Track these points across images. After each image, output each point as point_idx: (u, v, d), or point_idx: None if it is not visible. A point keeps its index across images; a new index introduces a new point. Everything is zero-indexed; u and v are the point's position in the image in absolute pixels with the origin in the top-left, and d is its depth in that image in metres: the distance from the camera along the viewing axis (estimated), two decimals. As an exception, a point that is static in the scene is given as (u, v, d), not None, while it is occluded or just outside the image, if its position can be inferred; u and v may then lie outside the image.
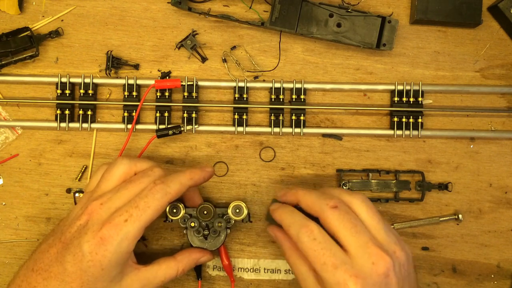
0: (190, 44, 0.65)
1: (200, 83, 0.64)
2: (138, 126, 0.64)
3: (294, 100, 0.64)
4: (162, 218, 0.64)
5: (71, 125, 0.64)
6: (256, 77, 0.65)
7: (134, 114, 0.64)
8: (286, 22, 0.63)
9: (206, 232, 0.59)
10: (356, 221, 0.50)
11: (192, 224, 0.58)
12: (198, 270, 0.62)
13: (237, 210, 0.59)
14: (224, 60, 0.65)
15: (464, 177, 0.65)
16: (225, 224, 0.59)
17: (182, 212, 0.59)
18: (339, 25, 0.63)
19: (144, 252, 0.64)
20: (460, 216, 0.64)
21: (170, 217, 0.59)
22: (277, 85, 0.64)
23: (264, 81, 0.65)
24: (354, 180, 0.65)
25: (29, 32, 0.63)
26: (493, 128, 0.66)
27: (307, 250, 0.49)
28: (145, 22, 0.65)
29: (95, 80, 0.64)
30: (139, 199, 0.51)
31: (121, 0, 0.65)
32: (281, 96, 0.64)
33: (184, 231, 0.60)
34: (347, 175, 0.65)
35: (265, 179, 0.65)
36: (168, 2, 0.65)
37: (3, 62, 0.63)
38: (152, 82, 0.63)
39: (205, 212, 0.59)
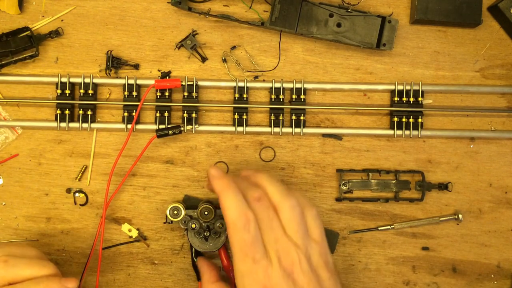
0: (190, 44, 0.65)
1: (200, 83, 0.64)
2: (138, 126, 0.64)
3: (294, 100, 0.64)
4: (163, 219, 0.64)
5: (71, 125, 0.64)
6: (256, 77, 0.65)
7: (134, 114, 0.64)
8: (286, 22, 0.63)
9: (206, 234, 0.59)
10: (274, 216, 0.51)
11: (193, 226, 0.58)
12: (198, 271, 0.62)
13: None
14: (224, 60, 0.65)
15: (464, 177, 0.65)
16: (226, 225, 0.59)
17: (183, 213, 0.59)
18: (339, 25, 0.63)
19: (145, 252, 0.64)
20: (460, 216, 0.64)
21: (171, 218, 0.59)
22: (277, 85, 0.64)
23: (264, 81, 0.65)
24: (354, 180, 0.65)
25: (29, 32, 0.63)
26: (493, 128, 0.66)
27: (237, 238, 0.50)
28: (145, 22, 0.65)
29: (95, 80, 0.64)
30: None
31: (121, 0, 0.65)
32: (281, 96, 0.64)
33: (185, 233, 0.60)
34: (347, 175, 0.65)
35: (265, 179, 0.65)
36: (168, 2, 0.65)
37: (3, 62, 0.63)
38: (152, 82, 0.63)
39: (206, 213, 0.59)
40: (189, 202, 0.64)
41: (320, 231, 0.53)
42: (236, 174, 0.64)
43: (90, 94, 0.64)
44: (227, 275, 0.63)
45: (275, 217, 0.52)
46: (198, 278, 0.62)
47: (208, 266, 0.59)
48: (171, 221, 0.59)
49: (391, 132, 0.65)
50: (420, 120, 0.64)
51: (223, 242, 0.59)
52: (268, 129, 0.64)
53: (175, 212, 0.59)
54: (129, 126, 0.64)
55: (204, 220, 0.59)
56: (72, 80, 0.64)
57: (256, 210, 0.52)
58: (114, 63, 0.64)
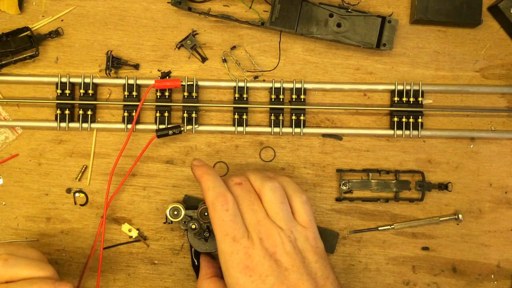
0: (190, 44, 0.65)
1: (200, 83, 0.64)
2: (138, 126, 0.64)
3: (294, 100, 0.64)
4: (163, 219, 0.64)
5: (71, 125, 0.64)
6: (256, 77, 0.65)
7: (134, 114, 0.64)
8: (286, 22, 0.63)
9: (206, 234, 0.58)
10: (255, 200, 0.52)
11: (193, 226, 0.58)
12: (198, 271, 0.62)
13: None
14: (224, 60, 0.65)
15: (464, 177, 0.65)
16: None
17: (183, 214, 0.59)
18: (339, 25, 0.63)
19: (145, 252, 0.64)
20: (460, 216, 0.64)
21: (171, 219, 0.59)
22: (277, 85, 0.64)
23: (264, 81, 0.65)
24: (354, 180, 0.65)
25: (29, 32, 0.63)
26: (493, 128, 0.66)
27: (216, 218, 0.51)
28: (145, 22, 0.65)
29: (95, 80, 0.64)
30: None
31: (121, 0, 0.65)
32: (281, 96, 0.64)
33: (185, 233, 0.60)
34: (347, 175, 0.65)
35: (265, 179, 0.65)
36: (168, 2, 0.65)
37: (3, 62, 0.63)
38: (152, 82, 0.63)
39: (206, 213, 0.58)
40: (189, 202, 0.64)
41: (307, 216, 0.53)
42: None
43: (90, 94, 0.64)
44: None
45: (257, 200, 0.52)
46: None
47: (207, 262, 0.59)
48: (171, 222, 0.59)
49: (391, 132, 0.65)
50: (420, 120, 0.64)
51: None
52: (268, 129, 0.64)
53: (175, 212, 0.59)
54: (129, 126, 0.64)
55: (204, 221, 0.59)
56: (72, 80, 0.64)
57: (237, 193, 0.52)
58: (114, 63, 0.64)
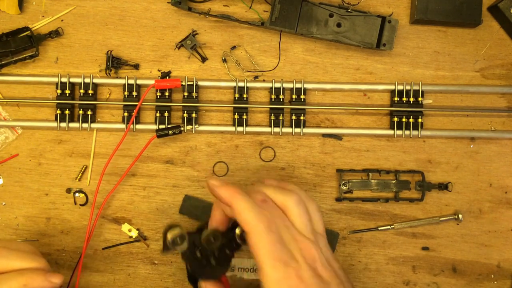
0: (190, 44, 0.65)
1: (200, 83, 0.64)
2: (138, 126, 0.64)
3: (294, 100, 0.64)
4: (163, 219, 0.64)
5: (71, 125, 0.64)
6: (256, 77, 0.65)
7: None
8: (286, 22, 0.63)
9: (213, 262, 0.52)
10: (284, 215, 0.50)
11: (198, 255, 0.51)
12: (195, 283, 0.56)
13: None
14: (224, 60, 0.65)
15: (464, 177, 0.65)
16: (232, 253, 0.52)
17: (187, 241, 0.51)
18: (339, 25, 0.63)
19: (145, 252, 0.64)
20: (460, 216, 0.64)
21: (174, 247, 0.50)
22: (277, 85, 0.64)
23: (264, 81, 0.65)
24: (354, 180, 0.65)
25: (29, 32, 0.63)
26: (493, 128, 0.66)
27: (263, 242, 0.47)
28: (145, 22, 0.65)
29: (95, 80, 0.64)
30: None
31: (121, 0, 0.65)
32: (281, 96, 0.64)
33: (182, 260, 0.53)
34: (347, 175, 0.65)
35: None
36: (168, 2, 0.65)
37: (3, 62, 0.63)
38: (152, 82, 0.63)
39: (213, 239, 0.51)
40: (189, 202, 0.64)
41: (322, 223, 0.53)
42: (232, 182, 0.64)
43: (90, 94, 0.64)
44: None
45: (285, 216, 0.50)
46: None
47: (211, 286, 0.54)
48: (175, 249, 0.50)
49: (391, 132, 0.65)
50: (420, 120, 0.64)
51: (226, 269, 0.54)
52: (268, 129, 0.64)
53: (178, 240, 0.50)
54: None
55: (209, 248, 0.51)
56: (72, 80, 0.64)
57: (266, 212, 0.49)
58: (114, 63, 0.64)
